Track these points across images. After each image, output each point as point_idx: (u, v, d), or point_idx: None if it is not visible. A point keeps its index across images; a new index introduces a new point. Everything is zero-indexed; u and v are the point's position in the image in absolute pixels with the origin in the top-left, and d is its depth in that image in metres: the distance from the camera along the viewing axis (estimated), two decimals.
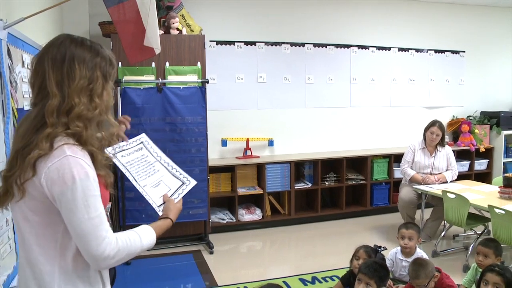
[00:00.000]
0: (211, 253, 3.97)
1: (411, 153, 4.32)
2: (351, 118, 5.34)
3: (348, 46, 5.25)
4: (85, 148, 1.18)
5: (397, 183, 4.72)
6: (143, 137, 1.54)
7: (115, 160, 1.34)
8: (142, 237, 1.26)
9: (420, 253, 2.95)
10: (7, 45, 1.89)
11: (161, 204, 1.45)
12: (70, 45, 1.21)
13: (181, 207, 1.48)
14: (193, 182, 1.56)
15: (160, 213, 1.43)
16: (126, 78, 3.81)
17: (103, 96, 1.25)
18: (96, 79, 1.22)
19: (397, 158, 4.89)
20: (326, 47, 5.15)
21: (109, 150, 1.30)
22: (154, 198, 1.44)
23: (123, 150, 1.41)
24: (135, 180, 1.41)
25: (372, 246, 2.72)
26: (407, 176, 4.28)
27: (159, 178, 1.49)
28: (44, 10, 2.11)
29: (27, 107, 2.18)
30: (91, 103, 1.21)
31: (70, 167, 1.11)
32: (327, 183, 4.90)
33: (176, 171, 1.56)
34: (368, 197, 5.02)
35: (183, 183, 1.54)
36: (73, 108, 1.17)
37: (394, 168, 5.06)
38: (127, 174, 1.41)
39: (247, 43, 4.85)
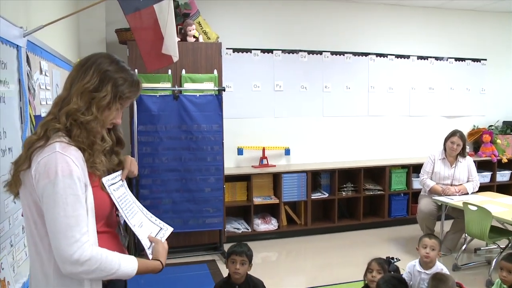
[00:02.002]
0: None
1: (431, 163, 4.23)
2: (369, 127, 5.28)
3: (366, 54, 5.20)
4: (76, 146, 1.20)
5: (416, 194, 4.64)
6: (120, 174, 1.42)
7: (109, 191, 1.29)
8: (122, 261, 1.21)
9: (440, 266, 2.85)
10: (26, 52, 1.90)
11: (149, 246, 1.36)
12: (101, 57, 1.27)
13: (167, 248, 1.40)
14: (170, 229, 1.48)
15: (150, 256, 1.34)
16: (142, 85, 3.78)
17: (104, 111, 1.26)
18: (104, 91, 1.24)
19: (416, 169, 4.82)
20: (343, 55, 5.12)
21: (104, 181, 1.28)
22: (143, 239, 1.35)
23: (113, 184, 1.33)
24: (126, 217, 1.33)
25: (385, 258, 2.64)
26: (426, 187, 4.18)
27: (140, 220, 1.40)
28: (63, 17, 2.12)
29: (44, 114, 2.17)
30: (88, 110, 1.23)
31: (56, 163, 1.13)
32: (344, 193, 4.84)
33: (151, 217, 1.47)
34: (386, 208, 4.94)
35: (161, 229, 1.45)
36: (67, 104, 1.22)
37: (413, 179, 4.97)
38: (119, 209, 1.32)
39: (264, 50, 4.86)
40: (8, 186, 1.23)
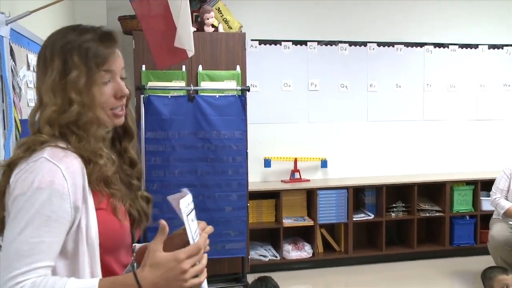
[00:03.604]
0: None
1: (506, 179, 4.06)
2: (425, 134, 5.16)
3: (421, 44, 5.10)
4: (76, 153, 1.11)
5: (486, 217, 4.46)
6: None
7: (186, 224, 1.13)
8: None
9: None
10: (9, 43, 1.89)
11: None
12: (53, 35, 1.19)
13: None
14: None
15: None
16: (150, 84, 3.82)
17: (88, 92, 1.14)
18: (73, 68, 1.13)
19: (485, 185, 4.68)
20: (393, 46, 5.04)
21: (181, 207, 1.11)
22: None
23: (189, 214, 1.16)
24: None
25: None
26: (500, 208, 4.01)
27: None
28: (55, 2, 2.11)
29: None
30: (69, 103, 1.13)
31: (38, 171, 1.04)
32: (393, 215, 4.75)
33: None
34: (446, 234, 4.79)
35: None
36: (43, 111, 1.13)
37: (481, 198, 4.81)
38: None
39: (296, 42, 4.82)
40: None
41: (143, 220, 1.28)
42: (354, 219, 4.61)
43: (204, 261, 1.14)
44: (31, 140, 1.11)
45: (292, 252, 4.48)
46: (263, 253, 4.46)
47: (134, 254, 1.28)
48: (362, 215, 4.72)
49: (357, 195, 4.80)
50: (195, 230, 1.19)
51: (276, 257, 4.46)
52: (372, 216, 4.72)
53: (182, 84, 3.90)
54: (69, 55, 1.13)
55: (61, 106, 1.12)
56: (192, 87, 3.86)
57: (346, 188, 4.57)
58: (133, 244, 1.28)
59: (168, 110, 3.80)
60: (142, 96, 3.74)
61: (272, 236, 4.67)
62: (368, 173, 5.03)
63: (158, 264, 1.05)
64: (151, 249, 1.07)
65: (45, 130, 1.12)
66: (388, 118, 5.08)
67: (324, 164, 4.87)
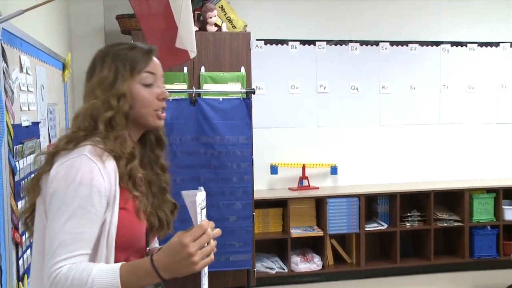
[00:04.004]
0: None
1: None
2: (441, 139, 5.15)
3: (437, 43, 5.09)
4: (112, 153, 1.27)
5: (510, 228, 4.52)
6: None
7: (198, 219, 1.23)
8: (96, 278, 1.16)
9: None
10: (1, 44, 1.89)
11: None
12: (107, 46, 1.44)
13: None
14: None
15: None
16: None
17: (135, 89, 1.35)
18: (105, 67, 1.34)
19: (508, 193, 4.70)
20: (407, 45, 5.04)
21: (197, 200, 1.23)
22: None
23: (202, 209, 1.26)
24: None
25: None
26: None
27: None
28: (48, 1, 2.10)
29: (26, 122, 2.16)
30: (103, 102, 1.31)
31: (79, 167, 1.21)
32: (408, 225, 4.74)
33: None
34: (466, 245, 4.76)
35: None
36: (88, 107, 1.32)
37: (503, 207, 4.79)
38: None
39: (304, 42, 4.83)
40: (26, 191, 1.33)
41: (164, 228, 1.44)
42: (366, 229, 4.60)
43: (213, 242, 1.22)
44: (73, 134, 1.29)
45: (301, 264, 4.47)
46: (270, 265, 4.46)
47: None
48: (375, 225, 4.71)
49: (370, 204, 4.79)
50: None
51: (284, 269, 4.46)
52: (386, 226, 4.71)
53: (183, 86, 3.92)
54: (116, 60, 1.35)
55: (105, 103, 1.30)
56: (194, 90, 3.86)
57: (358, 196, 4.57)
58: (147, 248, 1.39)
59: (169, 114, 3.77)
60: None
61: (279, 247, 4.66)
62: (381, 180, 5.02)
63: (169, 248, 1.17)
64: (176, 235, 1.20)
65: (86, 124, 1.29)
66: (401, 122, 5.07)
67: (334, 170, 4.86)
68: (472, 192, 4.78)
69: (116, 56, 1.35)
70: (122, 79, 1.32)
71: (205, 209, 1.28)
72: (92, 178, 1.20)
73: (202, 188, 1.27)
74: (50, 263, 1.16)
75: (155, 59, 1.42)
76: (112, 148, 1.27)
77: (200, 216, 1.22)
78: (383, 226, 4.70)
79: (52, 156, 1.27)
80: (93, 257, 1.22)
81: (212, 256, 1.21)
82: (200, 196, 1.23)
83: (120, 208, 1.27)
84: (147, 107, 1.36)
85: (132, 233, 1.31)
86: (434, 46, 5.09)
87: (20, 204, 2.01)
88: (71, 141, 1.27)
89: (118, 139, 1.29)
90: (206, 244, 1.19)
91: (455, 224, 4.77)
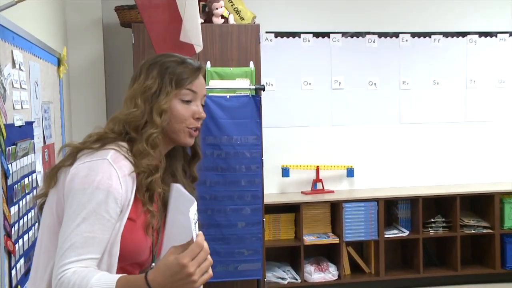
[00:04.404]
0: None
1: None
2: (468, 138, 5.13)
3: (463, 34, 5.07)
4: (134, 162, 1.35)
5: None
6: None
7: (193, 234, 1.24)
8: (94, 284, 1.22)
9: None
10: None
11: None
12: (156, 56, 1.53)
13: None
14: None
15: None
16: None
17: (173, 103, 1.42)
18: (151, 77, 1.42)
19: None
20: (430, 37, 5.02)
21: (190, 215, 1.24)
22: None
23: (195, 223, 1.28)
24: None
25: None
26: None
27: None
28: None
29: (19, 121, 2.16)
30: (143, 113, 1.40)
31: (99, 171, 1.28)
32: (432, 231, 4.72)
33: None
34: (497, 255, 4.71)
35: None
36: (124, 112, 1.42)
37: None
38: None
39: (317, 34, 4.84)
40: (44, 179, 1.42)
41: None
42: (385, 236, 4.59)
43: (210, 258, 1.23)
44: (103, 134, 1.38)
45: (315, 274, 4.46)
46: (281, 275, 4.46)
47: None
48: (395, 231, 4.70)
49: (389, 209, 4.79)
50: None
51: (296, 279, 4.46)
52: (407, 232, 4.69)
53: None
54: (163, 72, 1.43)
55: (142, 111, 1.39)
56: None
57: (376, 200, 4.57)
58: (152, 264, 1.44)
59: None
60: None
61: (291, 255, 4.67)
62: (401, 183, 5.02)
63: (166, 268, 1.17)
64: (169, 251, 1.19)
65: (120, 129, 1.39)
66: (424, 120, 5.06)
67: (350, 173, 4.85)
68: (503, 196, 4.73)
69: (164, 68, 1.43)
70: (165, 93, 1.40)
71: (197, 222, 1.30)
72: (110, 185, 1.27)
73: (193, 198, 1.27)
74: (59, 263, 1.23)
75: (201, 77, 1.49)
76: (138, 158, 1.35)
77: (195, 231, 1.22)
78: (404, 233, 4.68)
79: (76, 151, 1.35)
80: (98, 263, 1.29)
81: (210, 271, 1.22)
82: (192, 210, 1.24)
83: (128, 218, 1.33)
84: (181, 123, 1.44)
85: (133, 246, 1.35)
86: (460, 37, 5.07)
87: (13, 210, 2.00)
88: (98, 141, 1.35)
89: (148, 152, 1.36)
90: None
91: (484, 231, 4.73)
